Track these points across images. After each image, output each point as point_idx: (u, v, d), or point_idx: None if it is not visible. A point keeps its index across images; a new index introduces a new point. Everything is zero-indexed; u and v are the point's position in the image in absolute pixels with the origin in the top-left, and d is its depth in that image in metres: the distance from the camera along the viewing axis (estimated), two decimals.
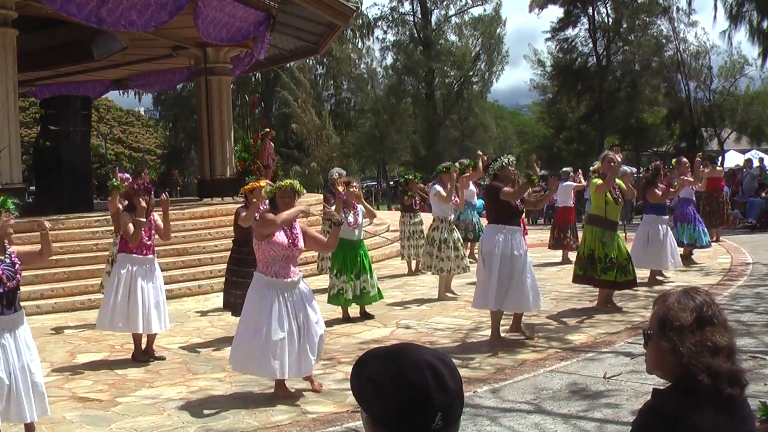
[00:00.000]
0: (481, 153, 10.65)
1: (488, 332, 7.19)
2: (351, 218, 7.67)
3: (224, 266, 10.83)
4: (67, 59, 16.45)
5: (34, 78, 17.42)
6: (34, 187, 15.42)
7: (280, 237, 5.24)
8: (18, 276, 4.59)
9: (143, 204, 6.37)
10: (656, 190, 9.46)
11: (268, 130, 16.65)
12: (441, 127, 38.28)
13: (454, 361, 1.46)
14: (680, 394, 1.83)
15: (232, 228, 12.23)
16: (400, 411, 1.35)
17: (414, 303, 8.93)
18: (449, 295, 9.21)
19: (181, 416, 4.99)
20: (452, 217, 9.38)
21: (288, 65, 31.63)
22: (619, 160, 8.11)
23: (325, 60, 39.32)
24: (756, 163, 19.28)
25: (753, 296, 8.36)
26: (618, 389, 5.10)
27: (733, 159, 28.58)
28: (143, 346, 6.60)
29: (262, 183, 7.12)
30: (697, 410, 1.79)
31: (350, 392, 1.49)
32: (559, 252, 12.10)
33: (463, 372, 5.43)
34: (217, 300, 9.70)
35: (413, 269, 11.31)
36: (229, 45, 14.18)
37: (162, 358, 6.58)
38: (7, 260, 4.57)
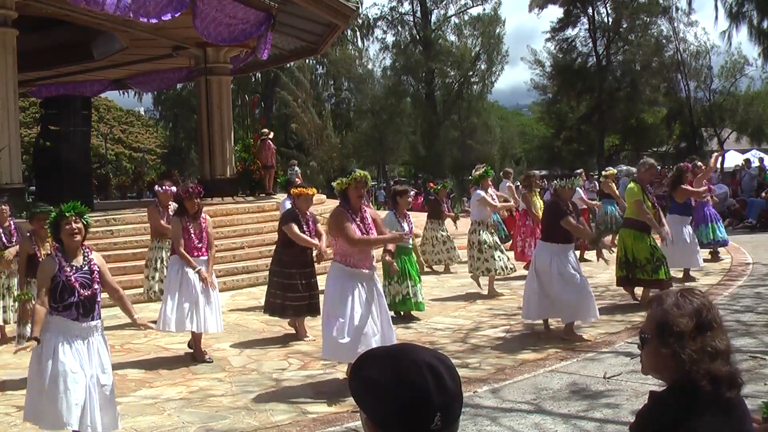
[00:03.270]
0: (509, 172, 10.68)
1: (488, 332, 7.20)
2: (406, 227, 7.87)
3: (223, 266, 10.92)
4: (67, 59, 16.44)
5: (34, 78, 17.41)
6: (34, 187, 15.40)
7: (355, 231, 5.38)
8: (95, 285, 4.43)
9: (194, 207, 6.60)
10: (684, 187, 9.57)
11: (266, 131, 16.69)
12: (441, 127, 38.29)
13: (453, 361, 1.46)
14: (678, 398, 1.82)
15: (232, 228, 12.32)
16: (400, 411, 1.35)
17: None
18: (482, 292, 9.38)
19: (181, 416, 4.98)
20: (491, 220, 9.50)
21: (288, 65, 31.62)
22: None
23: (325, 60, 39.32)
24: (756, 163, 19.29)
25: (753, 296, 8.35)
26: (618, 389, 5.10)
27: (733, 159, 28.61)
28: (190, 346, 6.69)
29: (311, 191, 7.18)
30: (695, 414, 1.78)
31: (350, 392, 1.49)
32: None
33: (463, 372, 5.44)
34: None
35: (432, 268, 11.53)
36: (230, 45, 14.19)
37: (209, 361, 6.50)
38: (85, 267, 4.44)
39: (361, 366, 1.44)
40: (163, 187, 8.04)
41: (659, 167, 11.72)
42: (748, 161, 19.98)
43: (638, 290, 8.38)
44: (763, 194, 16.83)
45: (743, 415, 1.86)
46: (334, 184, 5.63)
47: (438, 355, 1.44)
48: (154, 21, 10.97)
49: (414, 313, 8.01)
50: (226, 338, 7.37)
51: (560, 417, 4.60)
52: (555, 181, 7.20)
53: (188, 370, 6.23)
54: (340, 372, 5.85)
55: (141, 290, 8.46)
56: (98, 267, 4.53)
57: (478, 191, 9.27)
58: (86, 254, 4.52)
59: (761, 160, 19.69)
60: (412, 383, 1.36)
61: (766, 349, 5.92)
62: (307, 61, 35.02)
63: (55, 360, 4.24)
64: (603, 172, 10.79)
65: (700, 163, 10.92)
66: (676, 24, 31.74)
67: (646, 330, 1.91)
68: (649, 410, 1.87)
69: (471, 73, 38.80)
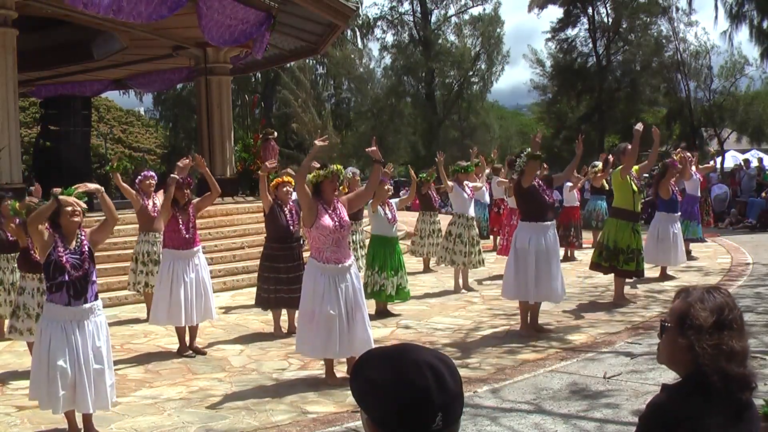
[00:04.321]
0: (474, 150, 10.77)
1: (488, 332, 7.21)
2: (389, 214, 7.91)
3: (223, 266, 10.93)
4: (67, 59, 16.43)
5: (34, 78, 17.40)
6: (33, 187, 15.40)
7: (326, 220, 5.43)
8: (86, 266, 4.53)
9: (184, 198, 6.63)
10: (664, 180, 9.60)
11: (270, 130, 16.65)
12: (441, 127, 38.26)
13: (454, 361, 1.46)
14: (690, 392, 1.84)
15: (232, 228, 12.32)
16: (401, 412, 1.35)
17: (414, 302, 8.92)
18: (464, 290, 9.48)
19: (181, 416, 4.99)
20: (471, 213, 9.57)
21: (288, 65, 31.62)
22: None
23: (325, 60, 39.30)
24: (755, 163, 19.30)
25: (753, 296, 8.35)
26: (618, 389, 5.10)
27: (733, 159, 28.62)
28: (186, 340, 6.75)
29: (288, 179, 7.21)
30: (704, 409, 1.79)
31: (350, 392, 1.49)
32: (561, 250, 12.12)
33: (463, 372, 5.43)
34: (218, 300, 9.69)
35: (429, 266, 11.56)
36: (231, 46, 14.20)
37: (203, 353, 6.69)
38: (76, 249, 4.54)
39: (362, 366, 1.44)
40: (142, 174, 8.24)
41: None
42: (746, 161, 20.00)
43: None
44: (763, 194, 16.84)
45: (752, 417, 1.87)
46: (310, 176, 5.63)
47: (439, 354, 1.43)
48: (150, 20, 10.99)
49: (405, 305, 8.11)
50: (226, 338, 7.38)
51: (560, 417, 4.61)
52: (516, 162, 7.19)
53: (188, 370, 6.23)
54: (340, 372, 5.85)
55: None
56: (88, 243, 4.64)
57: (449, 184, 9.44)
58: (80, 237, 4.61)
59: (760, 160, 19.71)
60: (412, 383, 1.36)
61: (766, 349, 5.92)
62: (307, 61, 35.01)
63: (49, 351, 4.39)
64: (591, 168, 10.82)
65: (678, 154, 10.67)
66: (676, 24, 31.69)
67: (668, 319, 1.94)
68: (660, 401, 1.89)
69: (471, 73, 38.75)
